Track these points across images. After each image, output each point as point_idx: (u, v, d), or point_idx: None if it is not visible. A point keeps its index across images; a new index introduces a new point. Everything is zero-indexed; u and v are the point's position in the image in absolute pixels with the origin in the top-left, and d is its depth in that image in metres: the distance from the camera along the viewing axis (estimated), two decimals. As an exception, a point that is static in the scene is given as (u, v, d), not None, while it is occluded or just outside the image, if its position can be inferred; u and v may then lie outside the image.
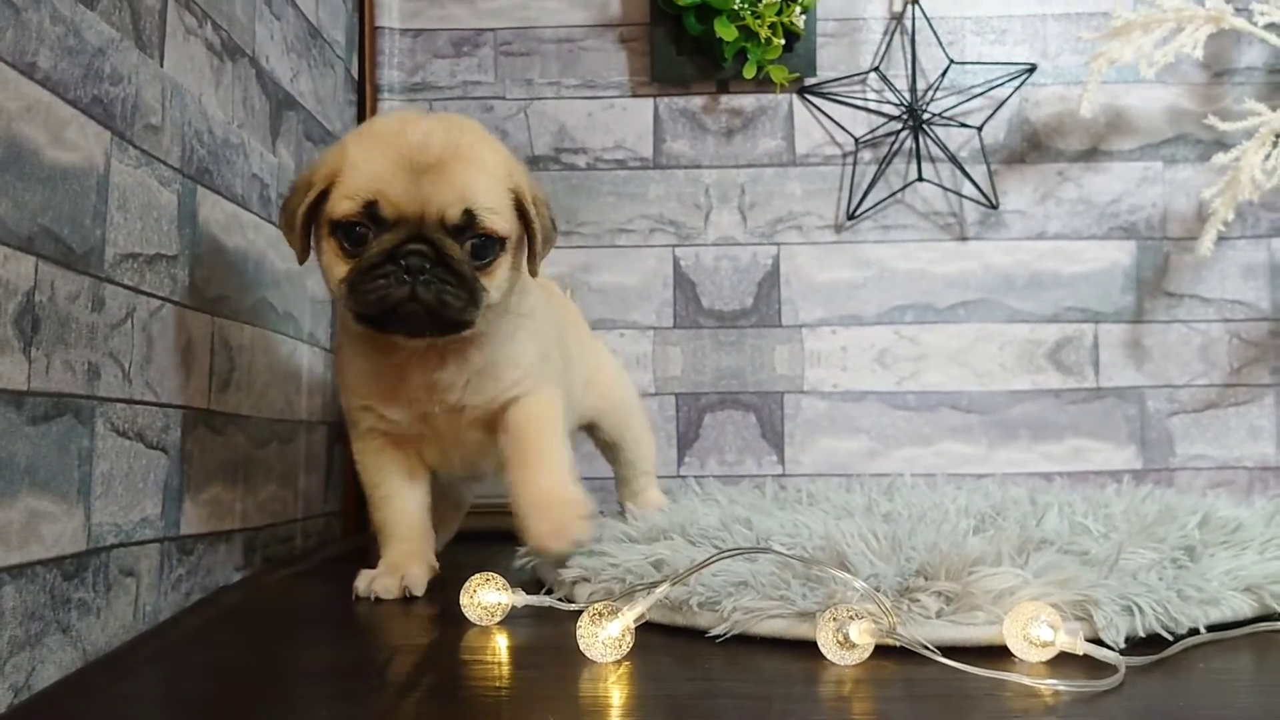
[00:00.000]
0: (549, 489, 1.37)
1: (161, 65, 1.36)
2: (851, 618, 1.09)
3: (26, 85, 1.04)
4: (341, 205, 1.26)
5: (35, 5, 1.06)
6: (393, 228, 1.25)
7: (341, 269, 1.28)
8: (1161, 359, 2.33)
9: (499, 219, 1.29)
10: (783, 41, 2.22)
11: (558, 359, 1.52)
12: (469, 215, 1.26)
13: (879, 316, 2.34)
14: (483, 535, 2.00)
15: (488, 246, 1.29)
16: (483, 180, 1.28)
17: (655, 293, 2.34)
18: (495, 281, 1.31)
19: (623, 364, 2.08)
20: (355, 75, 2.31)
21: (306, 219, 1.31)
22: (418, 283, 1.24)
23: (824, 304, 2.34)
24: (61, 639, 1.10)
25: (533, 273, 1.38)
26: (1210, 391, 2.33)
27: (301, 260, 1.34)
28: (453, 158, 1.26)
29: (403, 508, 1.47)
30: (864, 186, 2.32)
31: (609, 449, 1.91)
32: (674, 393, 2.33)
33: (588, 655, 1.12)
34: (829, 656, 1.10)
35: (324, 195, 1.29)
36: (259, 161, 1.72)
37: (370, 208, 1.25)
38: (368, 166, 1.25)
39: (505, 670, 1.13)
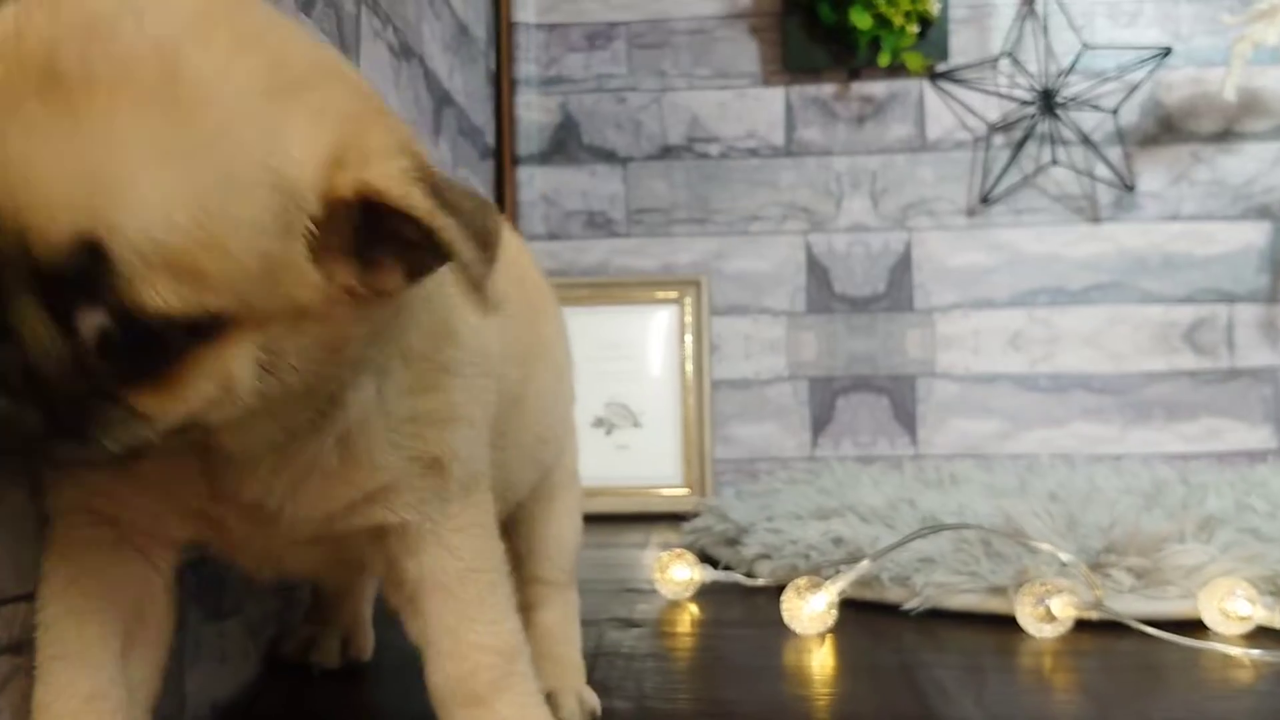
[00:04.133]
0: None
1: (358, 67, 1.43)
2: (1050, 592, 1.13)
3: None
4: None
5: (270, 18, 1.13)
6: None
7: None
8: (1297, 339, 2.33)
9: (198, 288, 0.49)
10: (917, 29, 2.25)
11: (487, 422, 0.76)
12: (92, 254, 0.47)
13: (1011, 300, 2.36)
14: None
15: (151, 337, 0.50)
16: (179, 160, 0.48)
17: (788, 278, 2.38)
18: (185, 394, 0.53)
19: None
20: (493, 69, 2.38)
21: None
22: None
23: (956, 288, 2.37)
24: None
25: (483, 309, 0.56)
26: (1347, 371, 2.33)
27: None
28: (91, 76, 0.47)
29: (85, 691, 0.64)
30: (996, 171, 2.34)
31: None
32: (807, 377, 2.37)
33: (791, 627, 1.18)
34: (1028, 630, 1.14)
35: None
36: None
37: None
38: None
39: (712, 641, 1.19)
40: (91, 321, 0.49)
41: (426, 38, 1.81)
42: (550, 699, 0.89)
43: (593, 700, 0.94)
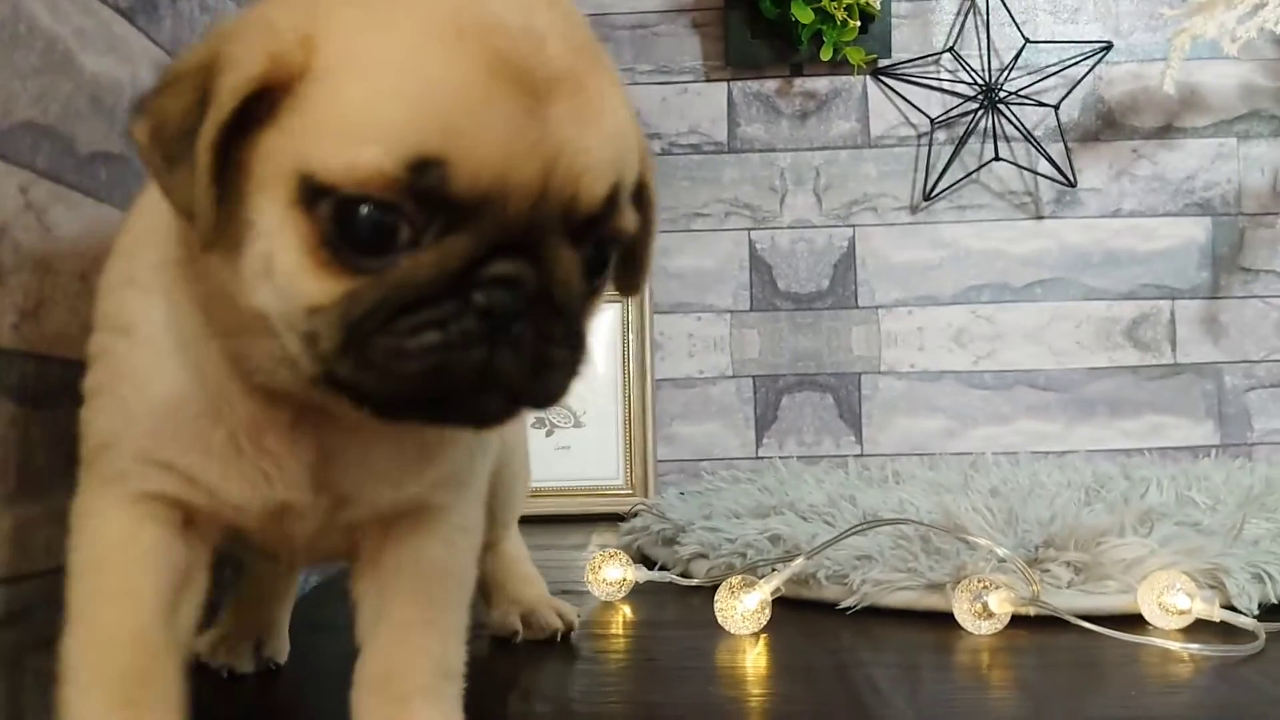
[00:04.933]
0: None
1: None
2: (987, 587, 1.11)
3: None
4: (351, 156, 0.55)
5: (185, -6, 1.09)
6: (467, 219, 0.56)
7: (321, 289, 0.57)
8: (1238, 334, 2.33)
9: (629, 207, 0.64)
10: (858, 23, 2.23)
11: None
12: (614, 197, 0.61)
13: (955, 296, 2.35)
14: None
15: (607, 256, 0.64)
16: (628, 120, 0.63)
17: (732, 275, 2.35)
18: (597, 310, 0.67)
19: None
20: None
21: (219, 151, 0.57)
22: (505, 340, 0.58)
23: (900, 285, 2.35)
24: None
25: (635, 289, 0.74)
26: (1288, 366, 2.34)
27: (208, 242, 0.59)
28: (591, 67, 0.60)
29: (145, 638, 0.67)
30: (939, 167, 2.33)
31: None
32: (751, 375, 2.34)
33: (725, 627, 1.15)
34: (966, 626, 1.12)
35: (257, 107, 0.57)
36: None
37: (424, 173, 0.55)
38: (412, 70, 0.55)
39: (644, 642, 1.16)
40: (584, 254, 0.61)
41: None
42: (530, 618, 1.11)
43: (570, 613, 1.12)
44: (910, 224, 2.35)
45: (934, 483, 1.80)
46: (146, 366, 0.67)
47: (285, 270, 0.57)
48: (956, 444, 2.32)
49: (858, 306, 2.35)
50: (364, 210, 0.55)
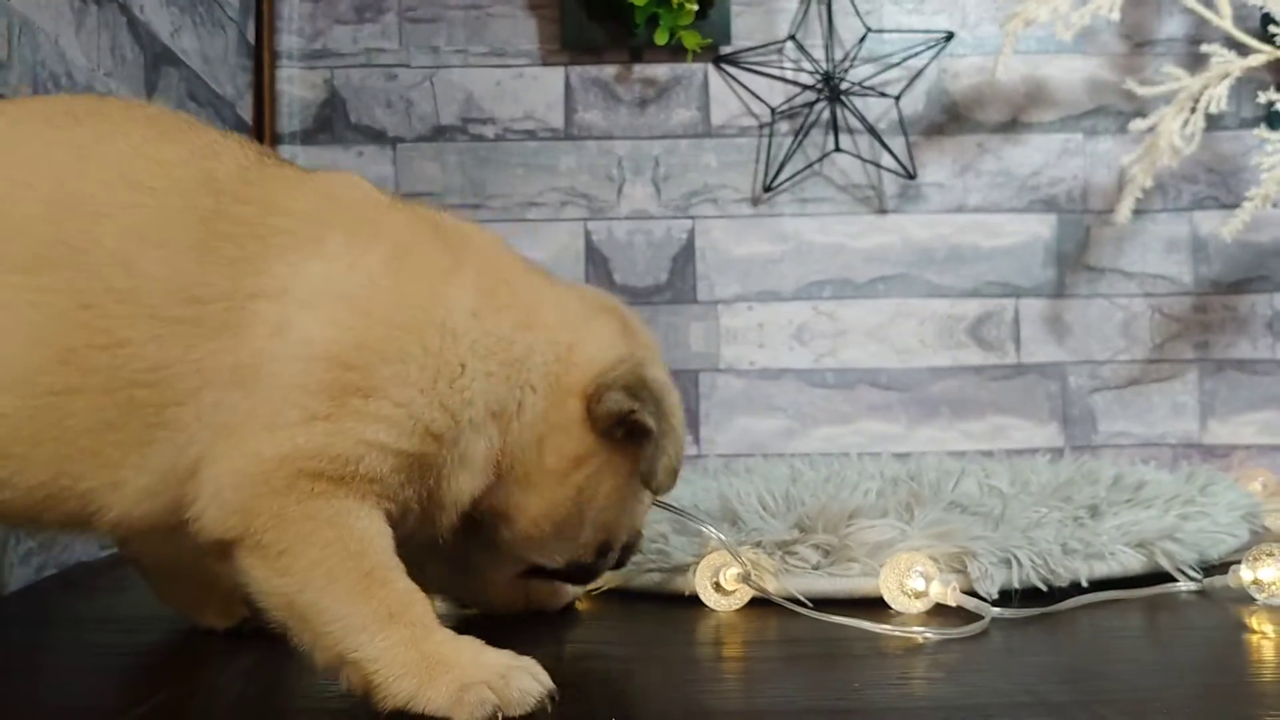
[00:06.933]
0: None
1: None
2: (723, 565, 1.03)
3: None
4: None
5: None
6: None
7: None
8: (1083, 334, 2.29)
9: None
10: (696, 7, 2.16)
11: None
12: None
13: (797, 292, 2.27)
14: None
15: None
16: None
17: (566, 268, 2.26)
18: None
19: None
20: (251, 39, 2.22)
21: None
22: None
23: (740, 279, 2.27)
24: None
25: None
26: (1133, 367, 2.29)
27: None
28: None
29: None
30: (780, 158, 2.26)
31: None
32: (586, 371, 2.25)
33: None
34: (706, 601, 1.04)
35: None
36: (131, 116, 1.63)
37: None
38: None
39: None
40: None
41: (134, -15, 1.65)
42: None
43: None
44: (751, 216, 2.28)
45: (762, 474, 1.71)
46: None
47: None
48: (796, 444, 2.24)
49: (696, 301, 2.27)
50: None
